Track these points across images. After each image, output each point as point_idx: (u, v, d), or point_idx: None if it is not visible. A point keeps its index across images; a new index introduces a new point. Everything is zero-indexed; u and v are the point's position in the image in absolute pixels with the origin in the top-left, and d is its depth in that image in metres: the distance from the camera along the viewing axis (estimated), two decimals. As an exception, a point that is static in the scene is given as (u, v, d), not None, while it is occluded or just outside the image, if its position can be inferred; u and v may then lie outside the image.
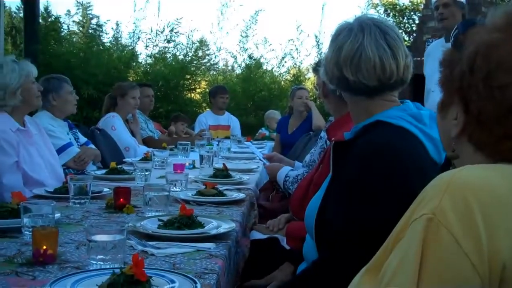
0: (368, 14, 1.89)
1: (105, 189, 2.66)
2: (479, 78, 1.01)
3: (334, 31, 1.79)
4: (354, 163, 1.62)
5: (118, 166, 3.38)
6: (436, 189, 0.94)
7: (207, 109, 8.21)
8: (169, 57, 9.84)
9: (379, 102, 1.74)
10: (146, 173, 3.01)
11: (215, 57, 10.76)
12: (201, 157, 3.70)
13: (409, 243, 0.93)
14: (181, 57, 9.81)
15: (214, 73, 11.00)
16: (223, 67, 11.44)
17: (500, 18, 1.05)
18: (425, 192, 0.97)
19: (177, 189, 2.73)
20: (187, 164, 3.75)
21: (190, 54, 9.83)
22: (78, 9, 10.81)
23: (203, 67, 10.35)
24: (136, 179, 3.01)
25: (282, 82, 10.65)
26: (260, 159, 3.68)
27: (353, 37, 1.70)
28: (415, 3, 16.48)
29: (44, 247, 1.54)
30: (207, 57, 10.59)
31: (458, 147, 1.11)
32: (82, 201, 2.35)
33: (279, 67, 10.77)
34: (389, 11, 16.58)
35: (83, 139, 4.12)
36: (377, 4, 16.90)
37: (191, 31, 9.94)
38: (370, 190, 1.56)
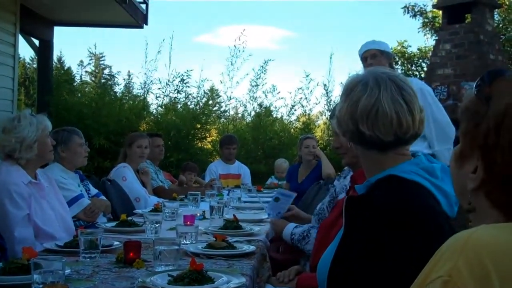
0: (379, 67, 1.88)
1: (116, 243, 2.65)
2: (506, 141, 0.97)
3: (347, 84, 1.77)
4: (368, 220, 1.60)
5: (129, 218, 3.37)
6: (451, 250, 0.92)
7: (217, 158, 8.22)
8: (180, 107, 9.93)
9: (392, 156, 1.72)
10: (156, 225, 3.00)
11: (225, 106, 10.87)
12: (211, 208, 3.69)
13: None
14: (192, 106, 9.90)
15: (224, 121, 11.07)
16: (233, 115, 11.53)
17: None
18: (440, 253, 0.94)
19: (187, 242, 2.72)
20: (197, 215, 3.73)
21: (201, 104, 9.92)
22: (90, 59, 11.08)
23: (213, 115, 10.42)
24: (147, 232, 3.00)
25: (292, 130, 10.70)
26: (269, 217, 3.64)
27: (369, 91, 1.69)
28: (423, 51, 16.68)
29: (54, 306, 1.53)
30: (217, 105, 10.68)
31: (474, 200, 1.06)
32: (93, 255, 2.34)
33: (289, 116, 10.85)
34: (397, 59, 16.76)
35: (94, 190, 4.12)
36: (386, 52, 17.09)
37: (202, 81, 10.10)
38: (385, 247, 1.53)
